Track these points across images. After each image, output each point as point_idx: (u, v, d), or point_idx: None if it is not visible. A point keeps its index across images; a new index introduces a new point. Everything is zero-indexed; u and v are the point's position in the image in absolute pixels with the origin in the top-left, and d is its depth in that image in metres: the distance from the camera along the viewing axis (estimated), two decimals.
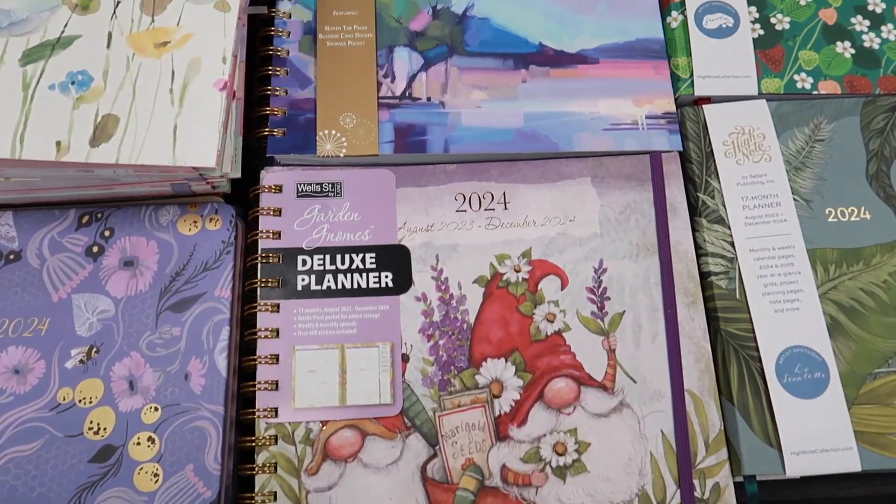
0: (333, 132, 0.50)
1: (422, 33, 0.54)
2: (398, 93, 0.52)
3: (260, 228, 0.49)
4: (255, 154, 0.51)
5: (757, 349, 0.46)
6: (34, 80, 0.45)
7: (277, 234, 0.49)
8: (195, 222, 0.49)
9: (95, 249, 0.49)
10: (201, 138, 0.45)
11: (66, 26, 0.47)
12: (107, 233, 0.49)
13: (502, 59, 0.53)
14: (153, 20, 0.48)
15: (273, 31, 0.53)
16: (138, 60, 0.46)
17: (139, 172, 0.45)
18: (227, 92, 0.46)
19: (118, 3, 0.48)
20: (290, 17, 0.54)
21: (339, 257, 0.48)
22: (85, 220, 0.50)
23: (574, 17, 0.55)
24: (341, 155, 0.50)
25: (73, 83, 0.46)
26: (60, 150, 0.44)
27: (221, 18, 0.48)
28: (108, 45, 0.47)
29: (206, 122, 0.45)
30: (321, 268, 0.48)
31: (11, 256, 0.49)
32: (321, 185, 0.50)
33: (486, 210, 0.50)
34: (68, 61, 0.46)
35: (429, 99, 0.52)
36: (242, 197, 0.51)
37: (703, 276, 0.48)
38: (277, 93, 0.51)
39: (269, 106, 0.51)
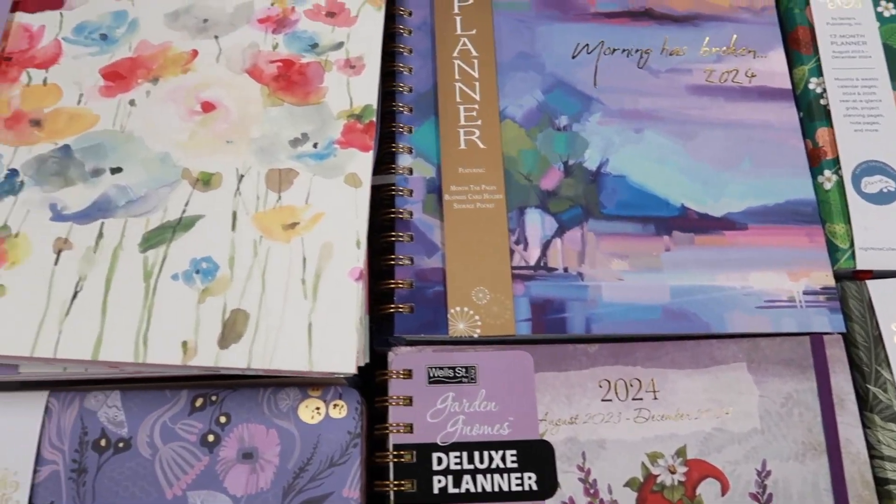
0: (466, 309, 0.46)
1: (554, 193, 0.50)
2: (532, 262, 0.48)
3: (390, 421, 0.45)
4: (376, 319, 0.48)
5: None
6: (156, 269, 0.42)
7: (409, 427, 0.45)
8: (318, 409, 0.46)
9: (211, 439, 0.45)
10: (339, 339, 0.41)
11: (187, 205, 0.43)
12: (222, 419, 0.46)
13: (642, 224, 0.49)
14: (280, 197, 0.44)
15: (394, 189, 0.49)
16: (266, 245, 0.43)
17: (270, 374, 0.42)
18: (362, 281, 0.42)
19: (241, 177, 0.44)
20: (410, 173, 0.50)
21: (476, 455, 0.44)
22: (198, 403, 0.46)
23: (717, 175, 0.51)
24: (475, 335, 0.46)
25: (197, 272, 0.42)
26: (187, 353, 0.40)
27: (353, 195, 0.44)
28: (233, 227, 0.43)
29: (343, 320, 0.41)
30: (458, 467, 0.44)
31: (121, 444, 0.45)
32: (454, 369, 0.46)
33: (633, 399, 0.46)
34: (191, 246, 0.43)
35: (566, 269, 0.48)
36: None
37: (879, 482, 0.44)
38: (403, 262, 0.48)
39: (395, 278, 0.47)
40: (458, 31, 0.54)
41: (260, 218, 0.43)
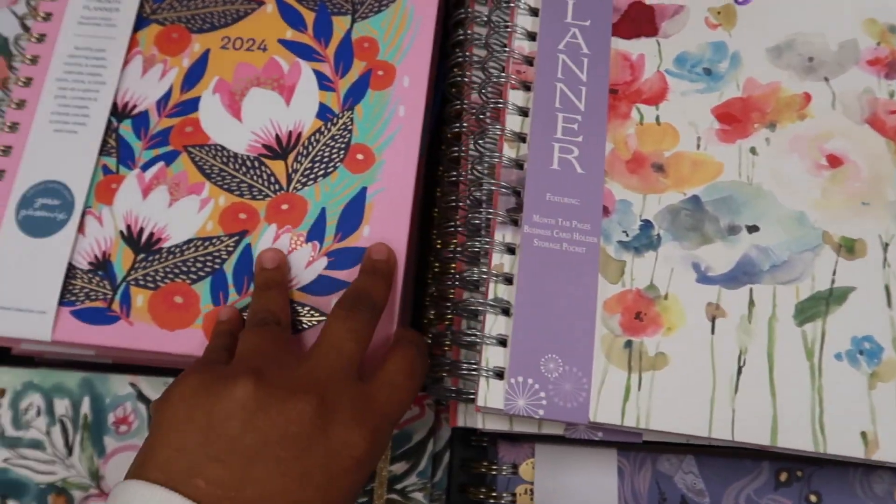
0: None
1: None
2: None
3: None
4: None
5: None
6: (816, 346, 0.38)
7: None
8: None
9: None
10: None
11: (834, 274, 0.40)
12: (812, 497, 0.43)
13: None
14: None
15: None
16: None
17: None
18: None
19: (886, 245, 0.40)
20: None
21: None
22: (783, 477, 0.43)
23: None
24: None
25: (860, 352, 0.38)
26: (868, 445, 0.37)
27: None
28: (889, 303, 0.39)
29: None
30: None
31: None
32: None
33: None
34: (848, 322, 0.39)
35: None
36: None
37: None
38: None
39: None
40: None
41: None
